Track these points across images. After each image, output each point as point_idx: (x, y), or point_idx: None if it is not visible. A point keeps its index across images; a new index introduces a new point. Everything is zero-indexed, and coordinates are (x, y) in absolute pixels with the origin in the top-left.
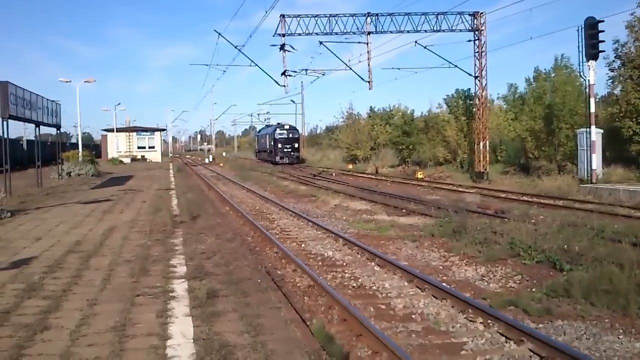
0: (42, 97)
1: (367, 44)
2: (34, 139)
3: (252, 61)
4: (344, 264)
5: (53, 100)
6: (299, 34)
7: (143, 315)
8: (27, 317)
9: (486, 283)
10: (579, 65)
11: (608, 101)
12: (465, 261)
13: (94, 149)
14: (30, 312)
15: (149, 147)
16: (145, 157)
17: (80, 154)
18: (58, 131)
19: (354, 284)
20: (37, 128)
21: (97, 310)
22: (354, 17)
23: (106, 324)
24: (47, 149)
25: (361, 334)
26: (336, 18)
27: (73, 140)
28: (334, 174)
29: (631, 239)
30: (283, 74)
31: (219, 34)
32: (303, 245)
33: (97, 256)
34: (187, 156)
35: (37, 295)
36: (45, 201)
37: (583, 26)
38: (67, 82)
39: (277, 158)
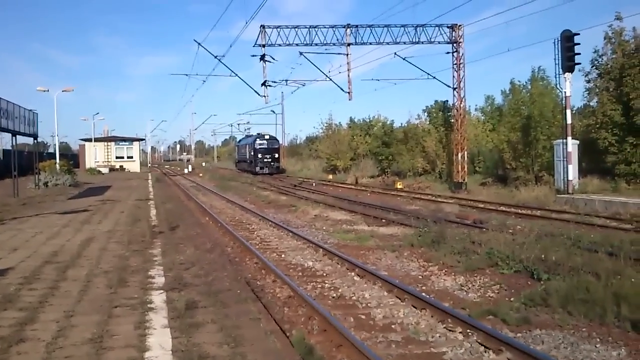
0: (19, 106)
1: (347, 55)
2: (10, 148)
3: (232, 71)
4: (324, 274)
5: (30, 110)
6: (279, 45)
7: (121, 326)
8: (3, 329)
9: (465, 293)
10: (556, 77)
11: (584, 113)
12: (444, 271)
13: (72, 158)
14: (6, 324)
15: (128, 157)
16: (124, 167)
17: (57, 163)
18: (35, 141)
19: (334, 294)
20: (14, 137)
21: (74, 322)
22: (334, 29)
23: (83, 336)
24: (24, 158)
25: (341, 344)
26: (316, 29)
27: (50, 150)
28: (314, 184)
29: (607, 248)
30: (263, 84)
31: (199, 43)
32: (283, 256)
33: (74, 267)
34: (167, 166)
35: (13, 306)
36: (22, 211)
37: (559, 39)
38: (44, 91)
39: (257, 168)
